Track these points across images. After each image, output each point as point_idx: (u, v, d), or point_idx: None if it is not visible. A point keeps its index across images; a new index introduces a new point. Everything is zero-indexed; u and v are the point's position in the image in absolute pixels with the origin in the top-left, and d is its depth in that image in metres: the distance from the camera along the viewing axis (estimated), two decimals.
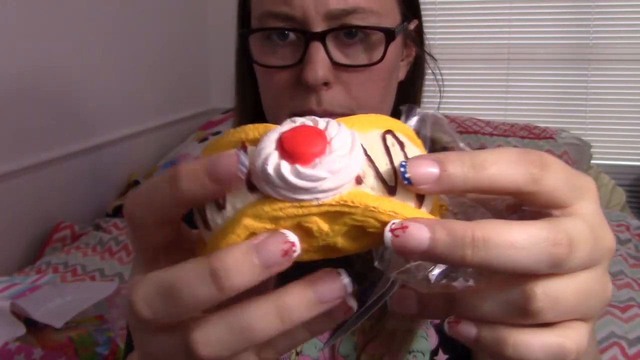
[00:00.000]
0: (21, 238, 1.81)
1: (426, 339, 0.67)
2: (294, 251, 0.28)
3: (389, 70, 0.64)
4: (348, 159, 0.27)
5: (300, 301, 0.28)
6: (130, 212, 0.31)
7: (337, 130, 0.28)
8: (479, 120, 2.40)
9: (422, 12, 0.71)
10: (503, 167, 0.29)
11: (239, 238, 0.28)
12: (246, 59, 0.68)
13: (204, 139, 2.46)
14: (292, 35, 0.60)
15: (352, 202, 0.27)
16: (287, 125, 0.28)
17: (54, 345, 1.21)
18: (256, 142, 0.28)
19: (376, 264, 0.33)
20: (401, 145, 0.30)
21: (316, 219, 0.28)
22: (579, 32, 2.62)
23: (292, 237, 0.28)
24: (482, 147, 2.20)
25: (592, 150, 2.38)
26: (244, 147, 0.29)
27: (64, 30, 1.93)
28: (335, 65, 0.60)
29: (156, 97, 2.44)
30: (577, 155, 2.23)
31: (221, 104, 2.82)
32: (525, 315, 0.29)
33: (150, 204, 0.30)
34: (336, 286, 0.29)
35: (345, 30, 0.60)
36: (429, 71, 0.74)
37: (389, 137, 0.30)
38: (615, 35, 2.59)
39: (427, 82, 0.75)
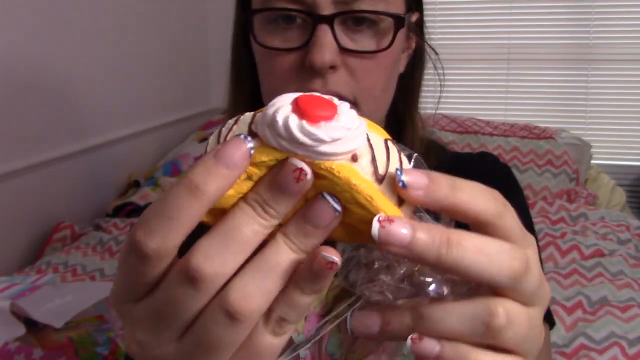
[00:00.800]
0: (21, 238, 1.81)
1: None
2: (306, 174, 0.30)
3: (395, 59, 0.63)
4: (351, 133, 0.30)
5: (301, 233, 0.31)
6: (145, 244, 0.30)
7: (348, 110, 0.31)
8: (479, 120, 2.40)
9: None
10: (476, 195, 0.33)
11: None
12: (245, 46, 0.67)
13: (204, 139, 2.46)
14: (298, 19, 0.59)
15: (339, 172, 0.30)
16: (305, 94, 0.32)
17: (54, 345, 1.21)
18: None
19: (340, 280, 0.34)
20: (398, 152, 0.33)
21: None
22: (579, 32, 2.62)
23: (299, 163, 0.30)
24: (482, 147, 2.20)
25: (592, 150, 2.38)
26: (256, 114, 0.32)
27: (65, 31, 1.93)
28: (342, 50, 0.59)
29: (156, 97, 2.44)
30: (577, 155, 2.23)
31: (221, 104, 2.80)
32: (487, 332, 0.32)
33: (173, 223, 0.30)
34: (325, 209, 0.31)
35: (353, 16, 0.59)
36: (430, 65, 0.74)
37: (389, 142, 0.33)
38: (615, 35, 2.59)
39: (428, 78, 0.74)
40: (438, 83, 0.75)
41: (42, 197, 1.88)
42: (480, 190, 0.33)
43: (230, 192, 0.31)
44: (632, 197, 2.57)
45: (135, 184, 2.24)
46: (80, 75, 2.01)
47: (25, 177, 1.79)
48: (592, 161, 2.38)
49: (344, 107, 0.31)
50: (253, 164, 0.31)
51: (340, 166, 0.30)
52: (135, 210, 2.08)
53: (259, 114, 0.32)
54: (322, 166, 0.30)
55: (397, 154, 0.33)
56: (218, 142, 0.32)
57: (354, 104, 0.61)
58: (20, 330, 1.18)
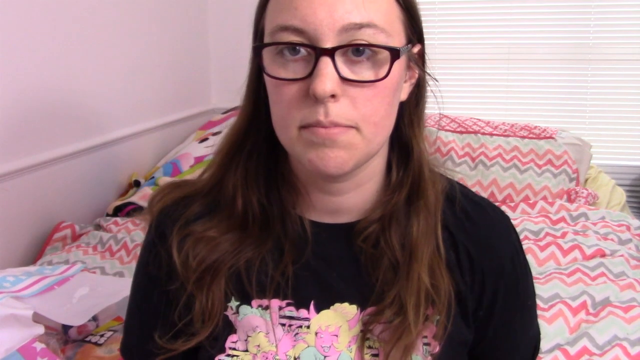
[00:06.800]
0: (21, 238, 1.81)
1: None
2: None
3: (393, 88, 0.67)
4: None
5: None
6: None
7: None
8: (479, 120, 2.40)
9: (422, 12, 0.73)
10: None
11: None
12: (260, 76, 0.71)
13: (204, 139, 2.46)
14: (303, 51, 0.64)
15: None
16: None
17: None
18: None
19: None
20: None
21: None
22: (579, 31, 2.62)
23: None
24: (482, 147, 2.20)
25: (592, 150, 2.38)
26: None
27: (65, 31, 1.93)
28: (343, 80, 0.63)
29: (156, 97, 2.44)
30: (577, 155, 2.23)
31: (221, 104, 2.81)
32: None
33: None
34: None
35: (353, 47, 0.63)
36: (433, 66, 0.76)
37: None
38: (615, 35, 2.59)
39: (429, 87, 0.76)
40: (437, 106, 0.77)
41: (42, 197, 1.88)
42: None
43: None
44: (632, 197, 2.57)
45: (136, 184, 2.24)
46: (81, 75, 2.01)
47: (25, 177, 1.79)
48: (592, 161, 2.38)
49: None
50: None
51: None
52: (135, 211, 2.07)
53: None
54: None
55: None
56: None
57: (356, 129, 0.65)
58: (39, 329, 1.16)
